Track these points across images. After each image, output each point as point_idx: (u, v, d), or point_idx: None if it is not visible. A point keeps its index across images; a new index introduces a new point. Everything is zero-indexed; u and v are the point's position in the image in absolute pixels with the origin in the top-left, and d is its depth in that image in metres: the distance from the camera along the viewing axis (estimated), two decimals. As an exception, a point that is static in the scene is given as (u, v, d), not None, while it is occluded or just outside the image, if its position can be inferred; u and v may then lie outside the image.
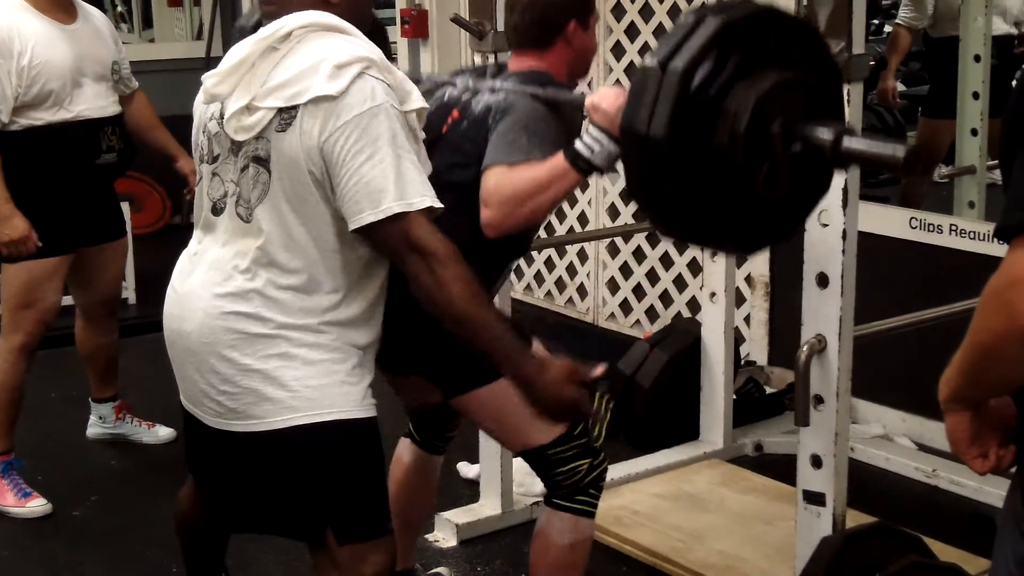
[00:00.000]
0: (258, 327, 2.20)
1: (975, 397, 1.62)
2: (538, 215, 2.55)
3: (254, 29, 2.80)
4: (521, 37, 2.75)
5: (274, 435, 2.21)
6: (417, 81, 2.84)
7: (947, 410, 1.65)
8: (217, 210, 2.28)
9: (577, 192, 5.45)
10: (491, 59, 3.10)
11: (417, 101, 2.26)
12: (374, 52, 2.21)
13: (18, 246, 3.71)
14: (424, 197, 2.15)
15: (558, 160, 2.47)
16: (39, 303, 3.84)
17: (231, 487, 2.38)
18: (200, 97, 2.33)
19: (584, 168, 2.46)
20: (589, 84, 5.14)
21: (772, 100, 1.97)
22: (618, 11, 5.13)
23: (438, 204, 2.18)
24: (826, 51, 2.15)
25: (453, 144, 2.63)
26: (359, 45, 2.22)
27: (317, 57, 2.17)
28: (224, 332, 2.21)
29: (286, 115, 2.16)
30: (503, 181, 2.50)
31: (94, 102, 3.86)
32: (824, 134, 1.99)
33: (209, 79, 2.27)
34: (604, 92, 2.46)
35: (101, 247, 4.05)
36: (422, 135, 2.28)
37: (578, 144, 2.46)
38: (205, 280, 2.26)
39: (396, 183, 2.12)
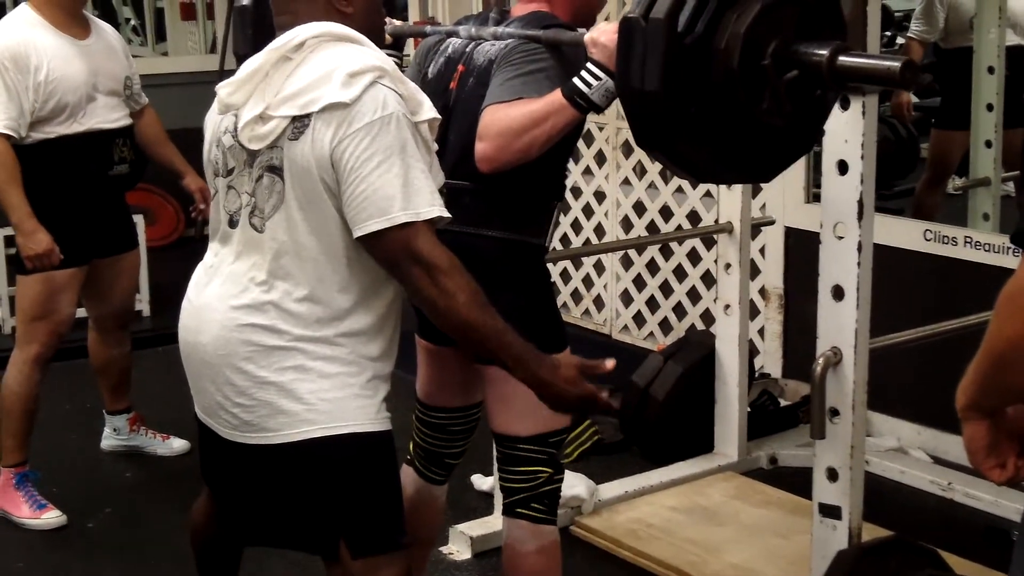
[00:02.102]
0: (274, 339, 2.20)
1: (991, 405, 1.61)
2: (533, 149, 2.49)
3: (256, 8, 2.82)
4: None
5: (289, 448, 2.21)
6: (421, 33, 2.86)
7: (964, 419, 1.64)
8: (233, 222, 2.28)
9: (593, 204, 5.45)
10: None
11: (429, 112, 2.26)
12: (387, 62, 2.22)
13: (42, 259, 3.72)
14: (432, 207, 2.15)
15: (555, 95, 2.45)
16: (53, 315, 3.85)
17: (246, 499, 2.38)
18: (213, 109, 2.34)
19: (581, 104, 2.43)
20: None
21: (763, 26, 1.94)
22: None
23: (446, 214, 2.18)
24: None
25: (467, 107, 2.61)
26: (372, 55, 2.23)
27: (330, 66, 2.18)
28: (240, 344, 2.22)
29: (299, 123, 2.17)
30: (498, 115, 2.48)
31: (106, 115, 3.88)
32: (818, 54, 1.96)
33: (224, 88, 2.27)
34: (603, 27, 2.44)
35: (114, 259, 4.06)
36: (434, 146, 2.27)
37: (576, 80, 2.43)
38: (221, 292, 2.26)
39: (404, 192, 2.12)
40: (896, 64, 1.96)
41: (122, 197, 4.07)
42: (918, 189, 5.51)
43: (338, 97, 2.13)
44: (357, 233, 2.15)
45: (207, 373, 2.28)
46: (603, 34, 2.42)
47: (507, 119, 2.48)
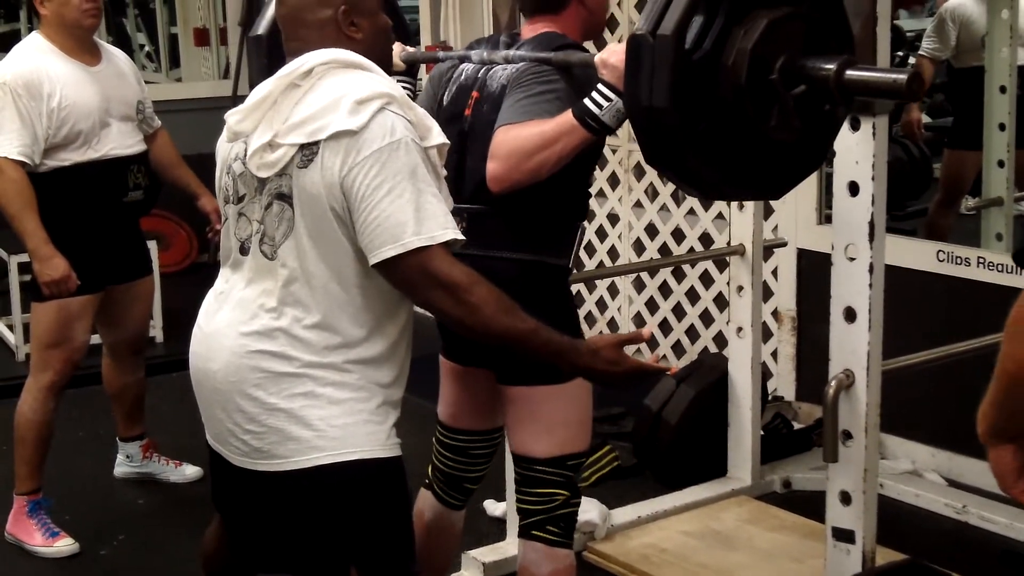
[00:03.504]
0: (283, 366, 2.20)
1: (1013, 428, 1.59)
2: (543, 170, 2.50)
3: (270, 38, 2.82)
4: (533, 4, 2.72)
5: (299, 475, 2.20)
6: (434, 59, 2.87)
7: (988, 445, 1.62)
8: (244, 250, 2.28)
9: (607, 226, 5.45)
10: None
11: (438, 137, 2.26)
12: (395, 88, 2.22)
13: (59, 286, 3.73)
14: (446, 230, 2.15)
15: (566, 116, 2.45)
16: (68, 342, 3.86)
17: (256, 526, 2.37)
18: (223, 137, 2.34)
19: (593, 125, 2.43)
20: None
21: (770, 42, 1.94)
22: (642, 6, 5.11)
23: (460, 237, 2.18)
24: None
25: (482, 134, 2.61)
26: (380, 81, 2.23)
27: (338, 93, 2.18)
28: (250, 371, 2.21)
29: (308, 151, 2.17)
30: (509, 135, 2.49)
31: (120, 141, 3.90)
32: (825, 68, 1.97)
33: (233, 116, 2.28)
34: (613, 48, 2.44)
35: (129, 285, 4.07)
36: (443, 172, 2.28)
37: (587, 101, 2.44)
38: (231, 319, 2.27)
39: (416, 217, 2.12)
40: (902, 76, 1.97)
41: (137, 223, 4.08)
42: (931, 210, 5.50)
43: (346, 125, 2.14)
44: (372, 261, 2.14)
45: (217, 400, 2.28)
46: (613, 55, 2.42)
47: (518, 140, 2.48)
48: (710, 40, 1.94)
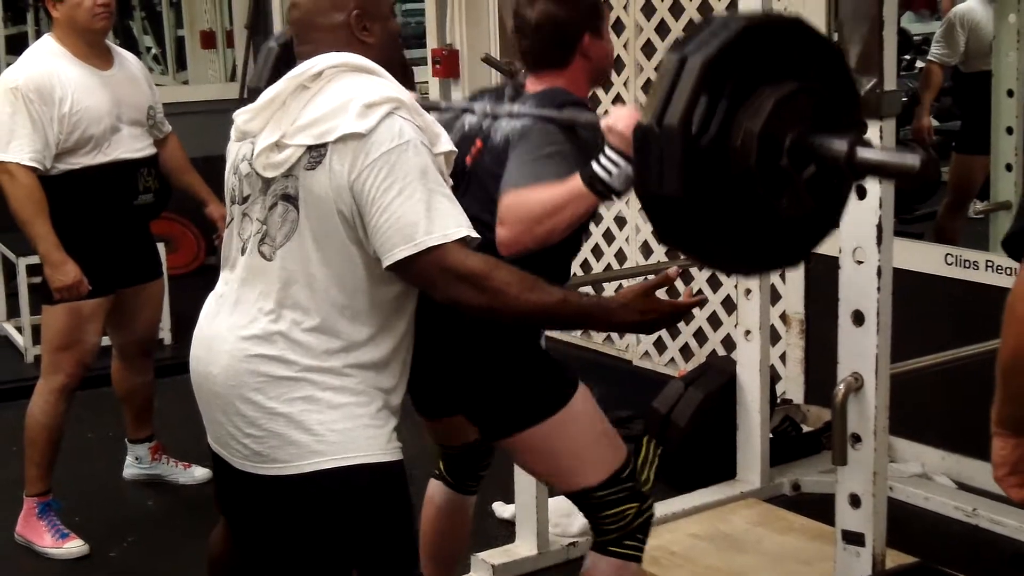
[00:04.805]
0: (282, 370, 2.20)
1: (1013, 417, 1.61)
2: (554, 236, 2.48)
3: (283, 49, 2.82)
4: (536, 61, 2.69)
5: (299, 479, 2.20)
6: (436, 108, 2.86)
7: (994, 434, 1.65)
8: (243, 250, 2.29)
9: (614, 229, 5.46)
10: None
11: (446, 144, 2.26)
12: (403, 93, 2.22)
13: (71, 291, 3.73)
14: (460, 227, 2.14)
15: (575, 182, 2.43)
16: (79, 345, 3.86)
17: (259, 529, 2.37)
18: (232, 136, 2.35)
19: (601, 191, 2.42)
20: (625, 84, 5.15)
21: (777, 121, 1.93)
22: (648, 9, 5.13)
23: (474, 234, 2.17)
24: (827, 47, 2.10)
25: (482, 182, 2.61)
26: (389, 86, 2.23)
27: (347, 96, 2.18)
28: (249, 375, 2.22)
29: (315, 153, 2.17)
30: (519, 200, 2.46)
31: (131, 144, 3.90)
32: (836, 148, 1.96)
33: (241, 116, 2.28)
34: (618, 114, 2.43)
35: (139, 288, 4.07)
36: (450, 181, 2.26)
37: (595, 166, 2.42)
38: (231, 323, 2.26)
39: (427, 216, 2.12)
40: (915, 160, 1.93)
41: (147, 226, 4.08)
42: (940, 213, 5.50)
43: (354, 128, 2.14)
44: (386, 262, 2.14)
45: (218, 404, 2.28)
46: (619, 120, 2.38)
47: (527, 205, 2.44)
48: (716, 124, 1.93)
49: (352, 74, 2.24)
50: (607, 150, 2.41)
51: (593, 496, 2.63)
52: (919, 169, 1.92)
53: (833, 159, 1.96)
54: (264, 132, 2.23)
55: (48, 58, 3.80)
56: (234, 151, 2.35)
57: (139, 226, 4.03)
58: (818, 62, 2.05)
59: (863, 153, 1.96)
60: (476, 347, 2.56)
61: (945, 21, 5.62)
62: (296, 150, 2.19)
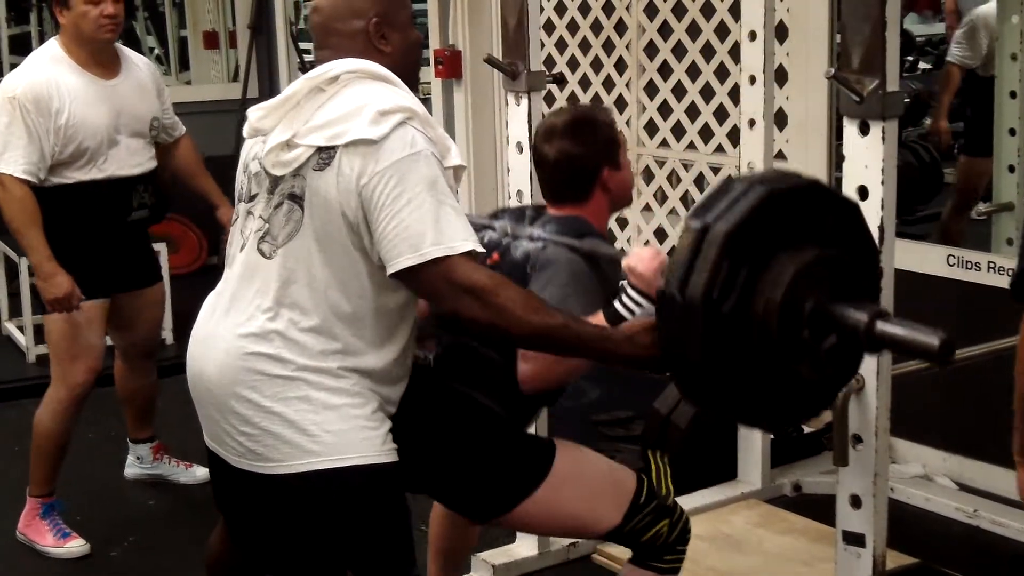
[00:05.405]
0: (278, 368, 2.20)
1: None
2: (575, 374, 2.52)
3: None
4: (556, 195, 2.72)
5: (293, 479, 2.21)
6: None
7: (1017, 463, 1.65)
8: (244, 247, 2.29)
9: (616, 230, 5.45)
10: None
11: (456, 158, 2.27)
12: (417, 105, 2.23)
13: (62, 303, 3.71)
14: (466, 241, 2.14)
15: (597, 321, 2.40)
16: (87, 351, 3.85)
17: (254, 526, 2.37)
18: (244, 133, 2.35)
19: None
20: (627, 85, 5.14)
21: (797, 290, 1.95)
22: (650, 10, 5.12)
23: (480, 248, 2.17)
24: (846, 209, 2.12)
25: None
26: (403, 96, 2.24)
27: (361, 102, 2.19)
28: (244, 372, 2.22)
29: (325, 155, 2.18)
30: None
31: (127, 160, 3.85)
32: (856, 318, 1.96)
33: (255, 112, 2.29)
34: (639, 255, 2.44)
35: (136, 293, 4.05)
36: (459, 196, 2.26)
37: (618, 306, 2.42)
38: (228, 321, 2.27)
39: (435, 227, 2.12)
40: (935, 341, 1.94)
41: (143, 236, 4.05)
42: (944, 215, 5.50)
43: (366, 134, 2.14)
44: (391, 270, 2.14)
45: (212, 402, 2.28)
46: (640, 262, 2.40)
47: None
48: (737, 292, 1.95)
49: (368, 81, 2.25)
50: (629, 290, 2.42)
51: (623, 531, 2.62)
52: (938, 350, 1.92)
53: (852, 329, 1.97)
54: (276, 130, 2.24)
55: (49, 65, 3.76)
56: (246, 149, 2.36)
57: (134, 238, 3.98)
58: (836, 225, 2.07)
59: (883, 327, 1.97)
60: (442, 433, 2.54)
61: (967, 23, 5.56)
62: (306, 150, 2.19)
